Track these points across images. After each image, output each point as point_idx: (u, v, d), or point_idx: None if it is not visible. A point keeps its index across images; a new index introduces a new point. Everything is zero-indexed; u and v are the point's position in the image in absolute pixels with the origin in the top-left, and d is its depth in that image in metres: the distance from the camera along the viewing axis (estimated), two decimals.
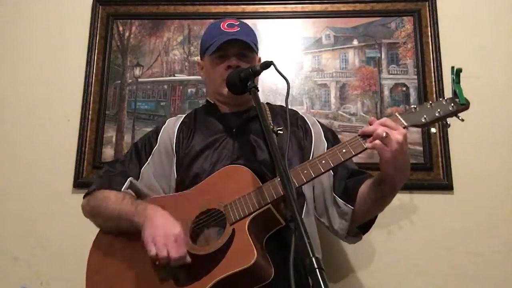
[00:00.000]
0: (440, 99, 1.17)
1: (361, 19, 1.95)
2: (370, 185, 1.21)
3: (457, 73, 1.14)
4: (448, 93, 1.81)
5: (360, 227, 1.30)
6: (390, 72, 1.89)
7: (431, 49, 1.87)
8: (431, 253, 1.69)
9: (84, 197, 1.35)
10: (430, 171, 1.76)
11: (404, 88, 1.87)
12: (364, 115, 1.85)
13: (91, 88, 1.93)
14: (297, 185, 1.12)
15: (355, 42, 1.93)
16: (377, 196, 1.19)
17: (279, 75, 1.16)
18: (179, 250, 1.10)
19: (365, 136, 1.11)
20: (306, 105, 1.88)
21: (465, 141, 1.77)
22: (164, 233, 1.11)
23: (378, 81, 1.88)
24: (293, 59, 1.93)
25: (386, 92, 1.87)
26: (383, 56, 1.91)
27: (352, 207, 1.24)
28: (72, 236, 1.74)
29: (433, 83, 1.84)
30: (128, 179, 1.29)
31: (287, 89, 1.15)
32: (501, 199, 1.73)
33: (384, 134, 1.05)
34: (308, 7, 1.97)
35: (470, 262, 1.67)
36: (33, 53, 2.02)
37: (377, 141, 1.07)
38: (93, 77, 1.94)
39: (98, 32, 1.99)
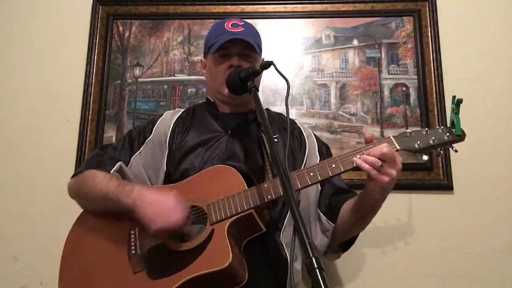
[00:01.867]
0: (437, 127, 1.18)
1: (361, 19, 1.95)
2: (352, 204, 1.21)
3: (457, 103, 1.14)
4: (447, 94, 1.82)
5: (340, 244, 1.31)
6: (390, 72, 1.89)
7: (431, 49, 1.87)
8: (431, 253, 1.69)
9: (71, 178, 1.34)
10: (430, 171, 1.76)
11: (404, 88, 1.87)
12: (364, 115, 1.85)
13: (91, 88, 1.93)
14: (281, 194, 1.11)
15: (355, 42, 1.93)
16: (358, 216, 1.20)
17: (279, 75, 1.16)
18: (181, 215, 1.10)
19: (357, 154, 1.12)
20: (306, 105, 1.88)
21: (465, 141, 1.76)
22: (161, 206, 1.11)
23: (378, 81, 1.88)
24: (293, 59, 1.93)
25: (386, 92, 1.87)
26: (383, 56, 1.91)
27: (334, 224, 1.25)
28: None
29: (433, 83, 1.84)
30: (118, 163, 1.29)
31: (287, 89, 1.14)
32: (501, 199, 1.73)
33: (380, 164, 1.07)
34: (308, 7, 1.97)
35: (470, 262, 1.67)
36: (33, 53, 2.02)
37: (372, 170, 1.08)
38: (93, 77, 1.94)
39: (98, 32, 1.99)
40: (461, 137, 1.15)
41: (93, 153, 1.38)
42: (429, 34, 1.89)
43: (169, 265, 1.10)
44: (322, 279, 0.72)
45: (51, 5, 2.06)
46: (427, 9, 1.92)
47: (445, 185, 1.74)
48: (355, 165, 1.10)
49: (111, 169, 1.27)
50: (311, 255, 0.75)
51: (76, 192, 1.31)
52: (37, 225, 1.81)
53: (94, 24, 2.00)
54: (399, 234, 1.72)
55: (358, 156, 1.11)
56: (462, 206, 1.73)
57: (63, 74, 1.98)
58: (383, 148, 1.08)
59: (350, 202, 1.22)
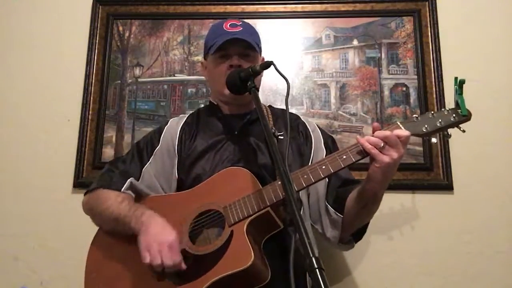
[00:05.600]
0: (442, 109, 1.17)
1: (361, 19, 1.95)
2: (355, 194, 1.22)
3: (460, 84, 1.14)
4: (447, 94, 1.82)
5: (353, 234, 1.31)
6: (390, 72, 1.89)
7: (431, 49, 1.87)
8: (431, 253, 1.69)
9: (84, 194, 1.36)
10: (430, 171, 1.76)
11: (404, 88, 1.87)
12: (364, 115, 1.85)
13: (91, 88, 1.93)
14: (296, 190, 1.11)
15: (355, 42, 1.93)
16: (360, 205, 1.20)
17: (279, 75, 1.16)
18: (173, 258, 1.10)
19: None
20: (306, 105, 1.88)
21: (465, 141, 1.76)
22: (159, 241, 1.11)
23: (378, 81, 1.88)
24: (293, 59, 1.93)
25: (386, 92, 1.87)
26: (383, 56, 1.91)
27: (342, 216, 1.26)
28: (72, 236, 1.74)
29: (433, 83, 1.84)
30: (129, 180, 1.29)
31: (287, 89, 1.15)
32: (501, 199, 1.73)
33: (382, 145, 1.08)
34: (308, 7, 1.97)
35: (470, 262, 1.67)
36: (33, 53, 2.02)
37: (373, 150, 1.08)
38: (93, 77, 1.94)
39: (98, 32, 1.99)
40: (467, 117, 1.14)
41: (104, 169, 1.39)
42: (429, 34, 1.89)
43: (192, 269, 1.11)
44: (322, 279, 0.72)
45: (51, 5, 2.07)
46: (427, 9, 1.92)
47: (445, 185, 1.74)
48: (365, 154, 1.11)
49: (122, 188, 1.28)
50: (311, 255, 0.75)
51: (90, 211, 1.33)
52: (37, 225, 1.81)
53: (94, 24, 2.00)
54: (399, 234, 1.72)
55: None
56: (462, 206, 1.73)
57: (63, 74, 1.98)
58: (387, 131, 1.09)
59: (355, 192, 1.22)
